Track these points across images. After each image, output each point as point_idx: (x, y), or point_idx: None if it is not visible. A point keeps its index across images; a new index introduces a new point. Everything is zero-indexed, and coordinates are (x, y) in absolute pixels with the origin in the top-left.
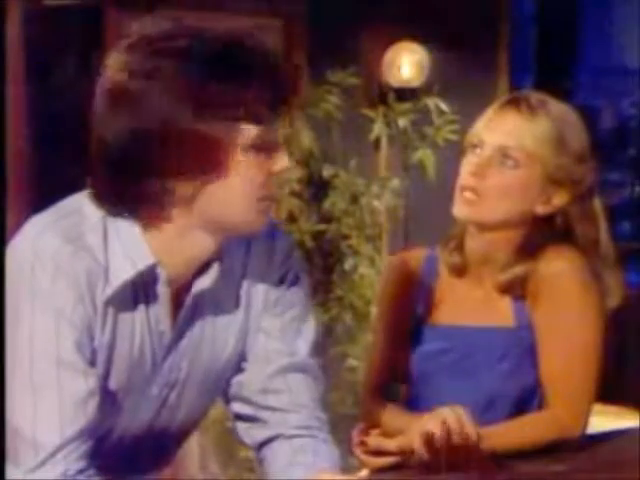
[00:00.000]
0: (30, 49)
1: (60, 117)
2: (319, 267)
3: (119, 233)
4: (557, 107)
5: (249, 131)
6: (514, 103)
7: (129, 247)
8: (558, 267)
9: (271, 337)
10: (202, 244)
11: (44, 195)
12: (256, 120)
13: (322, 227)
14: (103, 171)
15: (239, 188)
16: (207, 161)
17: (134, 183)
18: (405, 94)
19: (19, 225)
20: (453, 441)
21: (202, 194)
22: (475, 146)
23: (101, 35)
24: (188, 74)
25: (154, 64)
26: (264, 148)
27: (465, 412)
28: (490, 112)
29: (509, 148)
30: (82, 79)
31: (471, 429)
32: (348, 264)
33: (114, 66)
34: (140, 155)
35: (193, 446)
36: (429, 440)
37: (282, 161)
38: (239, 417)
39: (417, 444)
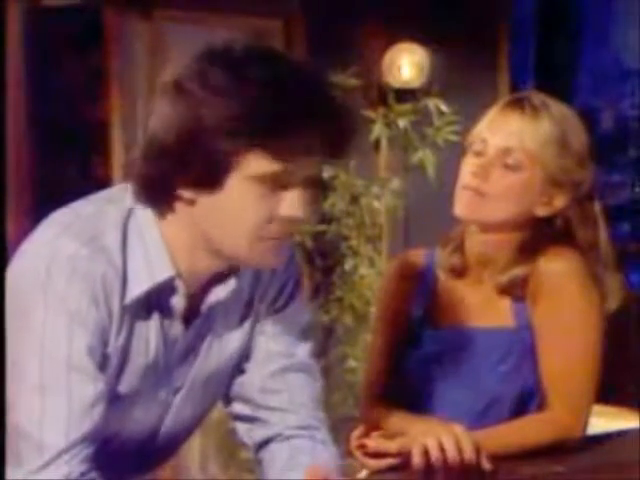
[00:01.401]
0: (30, 49)
1: (60, 118)
2: (319, 268)
3: (142, 236)
4: (559, 108)
5: (258, 163)
6: (517, 104)
7: (151, 253)
8: (558, 268)
9: (272, 339)
10: (208, 265)
11: (44, 196)
12: (277, 156)
13: (322, 228)
14: (140, 165)
15: (232, 213)
16: (204, 173)
17: (158, 178)
18: (405, 95)
19: (19, 226)
20: (449, 459)
21: (200, 204)
22: (477, 146)
23: (101, 35)
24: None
25: (230, 82)
26: (276, 187)
27: (463, 432)
28: (492, 113)
29: (512, 149)
30: (82, 79)
31: (468, 448)
32: (348, 265)
33: (186, 70)
34: (164, 154)
35: (194, 447)
36: (426, 455)
37: (292, 208)
38: (239, 418)
39: (415, 457)
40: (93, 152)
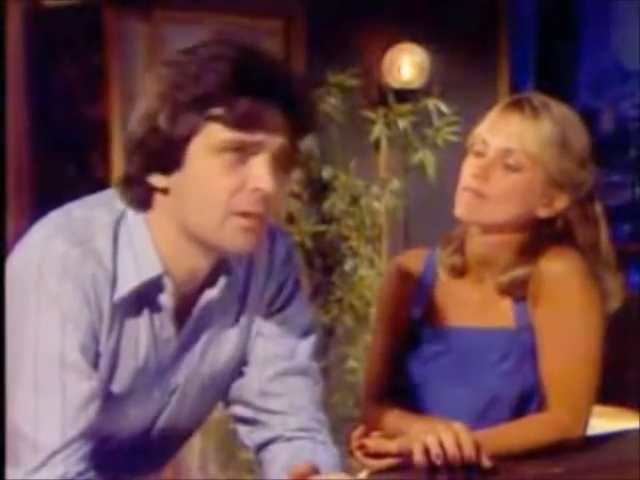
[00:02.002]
0: (30, 49)
1: (60, 118)
2: (319, 268)
3: (131, 238)
4: (559, 109)
5: (219, 132)
6: (517, 105)
7: (140, 254)
8: (559, 268)
9: (271, 341)
10: (195, 259)
11: (44, 196)
12: (233, 125)
13: (322, 228)
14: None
15: (201, 187)
16: (166, 153)
17: (133, 173)
18: (405, 95)
19: (19, 226)
20: (449, 456)
21: (172, 190)
22: (478, 147)
23: (101, 35)
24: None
25: (198, 59)
26: (242, 159)
27: (462, 429)
28: (493, 114)
29: (512, 151)
30: (82, 79)
31: (468, 445)
32: (348, 265)
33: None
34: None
35: (194, 447)
36: (426, 453)
37: (257, 179)
38: (240, 420)
39: (416, 455)
40: (92, 152)
